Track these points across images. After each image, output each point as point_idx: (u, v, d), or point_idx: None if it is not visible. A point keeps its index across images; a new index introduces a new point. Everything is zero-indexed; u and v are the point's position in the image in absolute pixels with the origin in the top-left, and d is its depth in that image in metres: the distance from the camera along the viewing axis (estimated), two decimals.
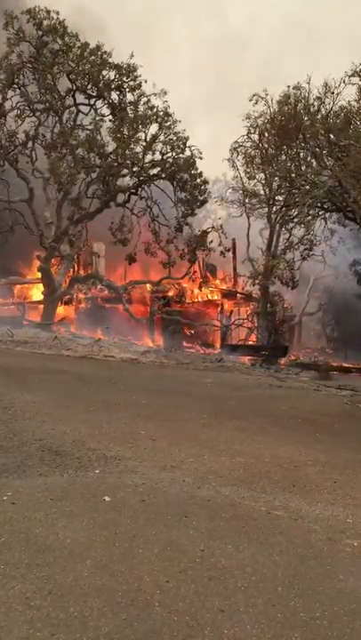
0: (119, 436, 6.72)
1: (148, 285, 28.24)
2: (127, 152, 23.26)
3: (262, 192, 25.08)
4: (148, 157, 24.19)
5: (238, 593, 3.25)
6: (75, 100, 25.02)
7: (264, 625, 2.94)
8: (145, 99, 24.05)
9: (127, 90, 24.35)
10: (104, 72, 24.00)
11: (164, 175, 24.67)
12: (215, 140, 39.75)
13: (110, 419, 7.62)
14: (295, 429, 8.45)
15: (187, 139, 24.00)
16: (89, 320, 26.91)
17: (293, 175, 21.84)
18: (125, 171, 24.30)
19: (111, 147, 23.52)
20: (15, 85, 24.02)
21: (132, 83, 24.15)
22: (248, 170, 24.81)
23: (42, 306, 26.85)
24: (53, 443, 6.09)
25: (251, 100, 23.21)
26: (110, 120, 24.46)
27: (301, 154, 22.21)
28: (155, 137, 23.86)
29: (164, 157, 24.19)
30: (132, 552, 3.65)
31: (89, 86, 24.42)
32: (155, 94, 23.91)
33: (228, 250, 27.74)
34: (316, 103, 21.14)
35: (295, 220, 23.68)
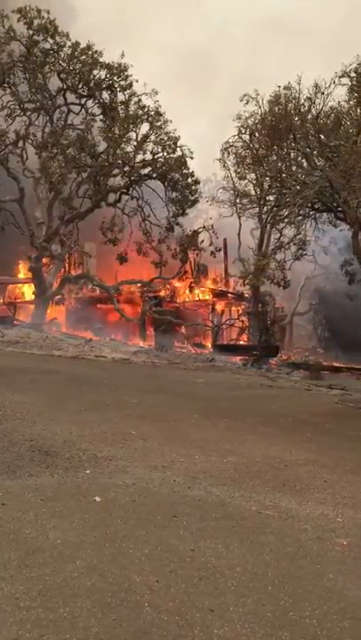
0: (110, 436, 6.71)
1: (139, 285, 28.22)
2: (118, 152, 23.26)
3: (253, 192, 25.12)
4: (140, 157, 24.23)
5: (228, 592, 3.25)
6: (65, 99, 24.98)
7: (254, 624, 2.94)
8: (136, 98, 24.08)
9: (118, 89, 24.36)
10: (95, 71, 24.00)
11: (155, 175, 24.68)
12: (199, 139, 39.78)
13: (101, 419, 7.61)
14: (286, 429, 8.47)
15: (178, 138, 24.06)
16: (80, 320, 26.87)
17: (284, 175, 21.89)
18: (116, 170, 24.30)
19: (102, 146, 23.52)
20: (5, 85, 23.96)
21: (122, 82, 24.17)
22: (239, 170, 24.84)
23: (33, 306, 26.78)
24: (44, 443, 6.07)
25: (242, 101, 23.25)
26: (101, 120, 24.47)
27: (292, 154, 22.26)
28: (146, 136, 23.87)
29: (155, 157, 24.21)
30: (123, 552, 3.64)
31: (80, 86, 24.39)
32: (146, 94, 23.95)
33: (219, 250, 27.80)
34: (306, 103, 21.20)
35: (286, 220, 23.73)
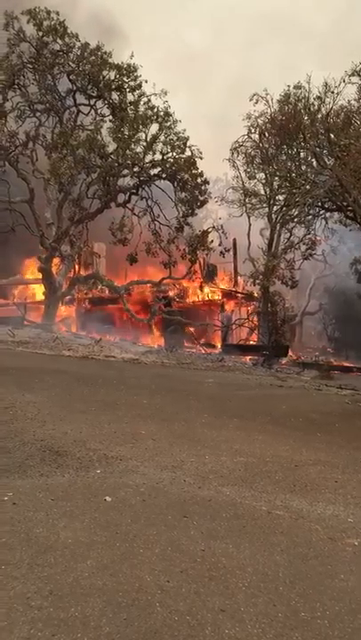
0: (120, 435, 6.72)
1: (148, 285, 28.26)
2: (128, 152, 23.27)
3: (263, 192, 25.08)
4: (149, 157, 24.22)
5: (239, 593, 3.25)
6: (75, 100, 25.05)
7: (265, 625, 2.94)
8: (145, 99, 24.11)
9: (127, 90, 24.38)
10: (104, 72, 24.02)
11: (164, 175, 24.69)
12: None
13: (111, 419, 7.62)
14: (296, 429, 8.44)
15: (187, 138, 24.05)
16: (90, 320, 26.93)
17: (294, 175, 21.82)
18: (126, 171, 24.32)
19: (112, 147, 23.53)
20: (15, 86, 24.03)
21: (132, 83, 24.18)
22: (248, 169, 24.80)
23: (43, 306, 26.87)
24: (54, 443, 6.09)
25: (251, 100, 23.22)
26: (111, 120, 24.49)
27: (302, 153, 22.19)
28: (155, 137, 23.87)
29: (165, 157, 24.20)
30: (133, 552, 3.65)
31: (89, 87, 24.45)
32: (155, 94, 23.97)
33: (229, 250, 27.78)
34: (316, 102, 21.13)
35: (296, 219, 23.68)
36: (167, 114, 23.79)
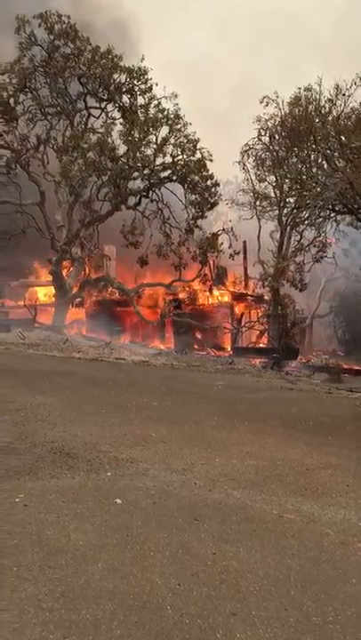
0: (130, 438, 6.73)
1: (158, 288, 28.26)
2: (138, 155, 23.31)
3: (273, 194, 25.04)
4: (159, 160, 24.23)
5: (250, 596, 3.24)
6: (86, 103, 25.18)
7: (277, 629, 2.93)
8: (156, 101, 24.15)
9: (138, 93, 24.45)
10: (115, 75, 24.12)
11: (174, 177, 24.69)
12: None
13: (121, 421, 7.63)
14: (306, 432, 8.40)
15: (197, 141, 24.04)
16: (100, 322, 26.97)
17: (304, 177, 21.78)
18: (136, 173, 24.35)
19: (122, 150, 23.60)
20: (27, 89, 24.18)
21: (142, 86, 24.26)
22: (259, 172, 24.78)
23: (53, 308, 26.94)
24: (65, 445, 6.10)
25: (261, 103, 23.21)
26: (121, 123, 24.54)
27: (312, 156, 22.15)
28: (165, 139, 23.88)
29: (175, 160, 24.21)
30: (144, 555, 3.65)
31: (100, 90, 24.55)
32: (165, 97, 24.00)
33: (238, 252, 27.71)
34: (327, 105, 21.09)
35: (306, 222, 23.61)
36: (177, 116, 23.81)
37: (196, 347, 26.79)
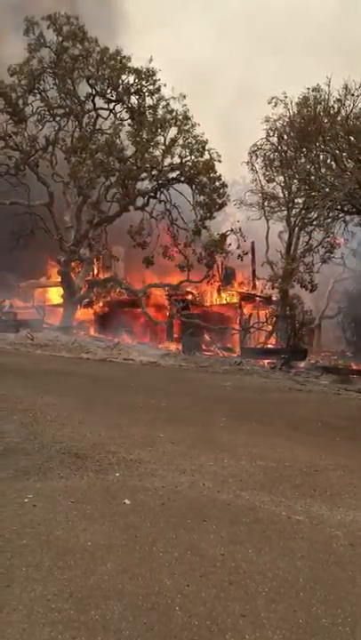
0: (139, 439, 6.73)
1: (166, 289, 28.29)
2: (146, 156, 23.36)
3: (281, 195, 24.99)
4: (167, 161, 24.30)
5: (259, 598, 3.22)
6: (94, 104, 25.26)
7: (286, 630, 2.91)
8: (164, 102, 24.19)
9: (146, 94, 24.49)
10: (123, 76, 24.18)
11: (182, 178, 24.72)
12: None
13: (130, 422, 7.63)
14: (315, 433, 8.37)
15: (206, 142, 24.06)
16: (108, 323, 27.02)
17: (313, 177, 21.72)
18: (144, 174, 24.41)
19: (130, 150, 23.67)
20: (36, 90, 24.31)
21: (151, 87, 24.30)
22: (267, 172, 24.74)
23: (61, 309, 27.03)
24: (73, 445, 6.11)
25: (270, 103, 23.18)
26: (129, 124, 24.61)
27: (321, 156, 22.08)
28: (174, 140, 23.93)
29: (183, 161, 24.24)
30: (153, 555, 3.64)
31: (108, 91, 24.62)
32: (173, 98, 24.04)
33: (246, 253, 27.71)
34: (336, 105, 21.03)
35: (315, 222, 23.55)
36: (186, 117, 23.86)
37: (204, 347, 26.79)
